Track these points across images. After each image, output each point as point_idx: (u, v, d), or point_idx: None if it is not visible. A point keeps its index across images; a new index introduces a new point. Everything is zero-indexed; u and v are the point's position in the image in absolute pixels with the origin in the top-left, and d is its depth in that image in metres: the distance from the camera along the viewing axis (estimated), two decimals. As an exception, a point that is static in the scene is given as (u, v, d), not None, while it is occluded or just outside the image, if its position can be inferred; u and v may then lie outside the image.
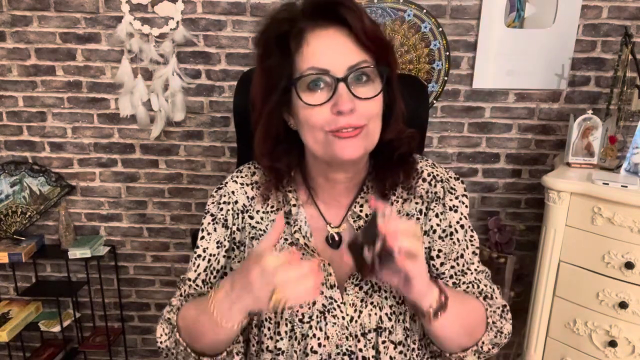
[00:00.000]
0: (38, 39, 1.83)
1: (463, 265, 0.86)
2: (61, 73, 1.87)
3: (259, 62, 0.77)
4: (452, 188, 0.86)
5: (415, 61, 1.82)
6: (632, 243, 1.34)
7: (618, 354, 1.43)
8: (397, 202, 0.85)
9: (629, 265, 1.35)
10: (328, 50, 0.71)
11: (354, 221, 0.84)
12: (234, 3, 1.78)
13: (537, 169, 1.92)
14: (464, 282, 0.86)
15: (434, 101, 1.87)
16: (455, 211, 0.85)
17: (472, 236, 0.88)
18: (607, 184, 1.38)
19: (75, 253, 1.90)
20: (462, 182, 0.88)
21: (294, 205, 0.84)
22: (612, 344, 1.42)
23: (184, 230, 2.06)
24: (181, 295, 0.88)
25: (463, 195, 0.87)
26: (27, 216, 1.99)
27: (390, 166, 0.82)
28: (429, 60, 1.82)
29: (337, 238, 0.85)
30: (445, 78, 1.84)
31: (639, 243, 1.34)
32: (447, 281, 0.85)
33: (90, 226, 2.06)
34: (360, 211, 0.84)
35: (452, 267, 0.85)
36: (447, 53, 1.81)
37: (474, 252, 0.88)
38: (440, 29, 1.78)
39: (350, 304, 0.82)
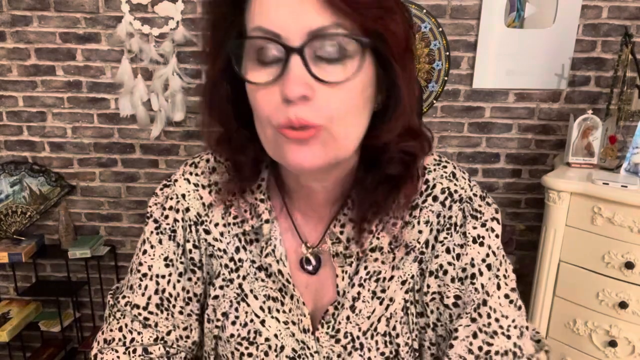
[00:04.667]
0: (38, 39, 1.83)
1: (487, 323, 0.61)
2: (61, 73, 1.87)
3: (207, 13, 0.55)
4: (476, 210, 0.62)
5: (415, 61, 1.82)
6: (632, 243, 1.34)
7: (618, 354, 1.43)
8: (394, 226, 0.62)
9: (629, 265, 1.35)
10: (281, 4, 0.47)
11: (332, 243, 0.63)
12: (234, 3, 1.78)
13: (537, 169, 1.92)
14: (496, 352, 0.60)
15: (434, 101, 1.87)
16: (481, 244, 0.61)
17: (506, 271, 0.63)
18: (607, 184, 1.38)
19: (75, 253, 1.90)
20: (491, 202, 0.65)
21: (267, 221, 0.63)
22: (612, 344, 1.42)
23: (184, 230, 2.06)
24: (122, 330, 0.66)
25: (493, 220, 0.63)
26: (27, 216, 1.99)
27: (376, 186, 0.58)
28: (429, 60, 1.82)
29: (314, 262, 0.65)
30: (445, 78, 1.84)
31: (639, 243, 1.34)
32: (469, 345, 0.61)
33: (90, 226, 2.06)
34: (341, 232, 0.62)
35: (468, 323, 0.61)
36: (447, 53, 1.81)
37: (506, 296, 0.61)
38: (440, 29, 1.78)
39: (324, 357, 0.65)
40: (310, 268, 0.65)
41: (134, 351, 0.65)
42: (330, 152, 0.52)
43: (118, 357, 0.64)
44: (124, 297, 0.68)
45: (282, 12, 0.47)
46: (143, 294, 0.66)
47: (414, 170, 0.59)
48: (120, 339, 0.66)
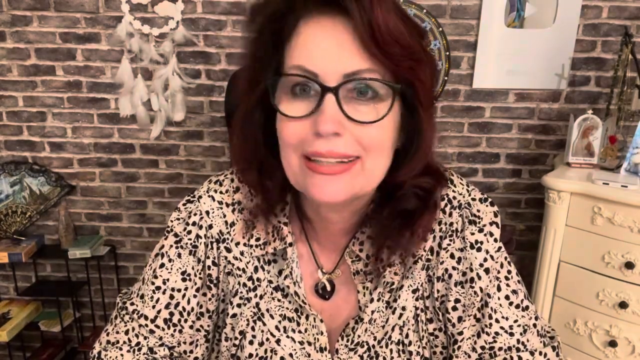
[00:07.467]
0: (38, 39, 1.83)
1: (489, 324, 0.64)
2: (61, 73, 1.87)
3: (249, 48, 0.59)
4: (474, 215, 0.64)
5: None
6: (632, 243, 1.34)
7: (618, 354, 1.43)
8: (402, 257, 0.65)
9: (629, 265, 1.35)
10: (321, 47, 0.52)
11: (352, 261, 0.66)
12: (234, 3, 1.78)
13: (537, 169, 1.92)
14: (500, 348, 0.63)
15: (434, 101, 1.86)
16: (479, 249, 0.63)
17: (508, 272, 0.65)
18: (607, 184, 1.38)
19: (75, 253, 1.90)
20: (491, 204, 0.66)
21: (290, 244, 0.65)
22: (612, 344, 1.42)
23: (184, 230, 2.06)
24: (128, 333, 0.67)
25: (491, 224, 0.64)
26: (27, 216, 1.99)
27: (392, 220, 0.61)
28: (429, 60, 1.82)
29: (329, 287, 0.68)
30: (445, 78, 1.84)
31: (639, 243, 1.34)
32: (473, 343, 0.64)
33: (90, 226, 2.06)
34: (360, 250, 0.65)
35: (474, 323, 0.64)
36: (447, 53, 1.81)
37: (506, 297, 0.64)
38: (440, 29, 1.78)
39: None
40: (324, 293, 0.68)
41: (139, 349, 0.66)
42: (356, 185, 0.55)
43: (122, 354, 0.65)
44: (132, 304, 0.68)
45: (322, 54, 0.52)
46: (153, 307, 0.66)
47: (430, 203, 0.61)
48: (125, 342, 0.66)
